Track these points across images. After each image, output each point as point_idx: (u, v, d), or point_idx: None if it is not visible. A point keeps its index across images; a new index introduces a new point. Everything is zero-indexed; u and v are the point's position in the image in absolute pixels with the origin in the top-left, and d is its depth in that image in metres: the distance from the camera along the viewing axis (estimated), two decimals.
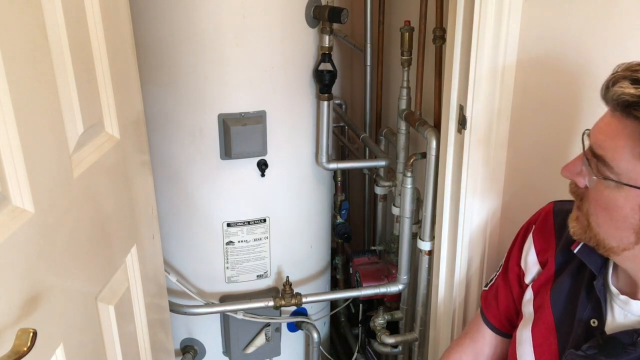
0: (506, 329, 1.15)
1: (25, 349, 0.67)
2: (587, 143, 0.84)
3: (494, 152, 1.24)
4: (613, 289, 0.91)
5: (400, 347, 1.78)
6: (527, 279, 1.09)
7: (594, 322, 0.91)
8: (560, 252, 1.03)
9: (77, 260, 0.90)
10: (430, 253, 1.53)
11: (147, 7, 1.39)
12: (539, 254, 1.07)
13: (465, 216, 1.30)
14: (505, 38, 1.15)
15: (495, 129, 1.22)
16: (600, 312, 0.91)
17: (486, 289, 1.20)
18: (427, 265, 1.56)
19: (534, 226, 1.10)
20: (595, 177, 0.82)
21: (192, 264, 1.65)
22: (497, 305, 1.15)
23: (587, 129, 0.86)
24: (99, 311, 0.99)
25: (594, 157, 0.82)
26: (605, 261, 0.94)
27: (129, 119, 1.11)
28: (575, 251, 0.97)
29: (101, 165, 0.98)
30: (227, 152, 1.50)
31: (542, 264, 1.06)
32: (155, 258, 1.30)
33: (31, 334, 0.68)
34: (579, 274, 0.98)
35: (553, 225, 1.06)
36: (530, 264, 1.08)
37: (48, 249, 0.81)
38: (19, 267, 0.74)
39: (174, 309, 1.55)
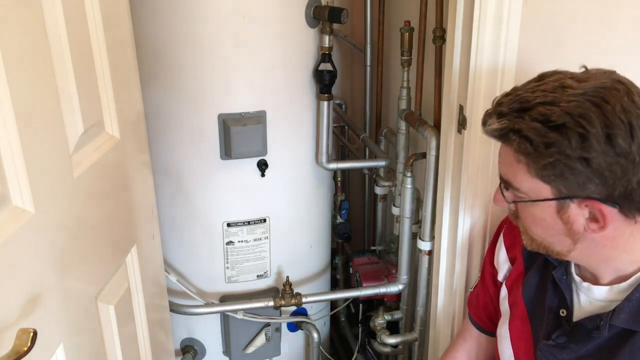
0: (489, 327, 1.19)
1: (25, 349, 0.67)
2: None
3: (494, 152, 1.24)
4: (576, 277, 0.95)
5: (400, 347, 1.78)
6: (500, 277, 1.13)
7: (562, 312, 0.95)
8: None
9: (77, 260, 0.90)
10: (430, 253, 1.53)
11: (148, 7, 1.39)
12: (508, 250, 1.12)
13: (465, 216, 1.30)
14: (505, 38, 1.15)
15: None
16: (565, 301, 0.95)
17: (471, 290, 1.25)
18: (427, 265, 1.56)
19: (505, 226, 1.15)
20: (512, 203, 0.90)
21: (192, 264, 1.65)
22: (479, 304, 1.20)
23: None
24: (99, 311, 0.99)
25: (506, 184, 0.89)
26: None
27: (129, 119, 1.11)
28: None
29: (101, 165, 0.98)
30: (227, 152, 1.50)
31: (512, 260, 1.11)
32: (155, 258, 1.30)
33: (31, 334, 0.68)
34: (545, 266, 1.02)
35: None
36: (502, 261, 1.13)
37: (48, 249, 0.81)
38: (19, 267, 0.74)
39: (174, 308, 1.55)
